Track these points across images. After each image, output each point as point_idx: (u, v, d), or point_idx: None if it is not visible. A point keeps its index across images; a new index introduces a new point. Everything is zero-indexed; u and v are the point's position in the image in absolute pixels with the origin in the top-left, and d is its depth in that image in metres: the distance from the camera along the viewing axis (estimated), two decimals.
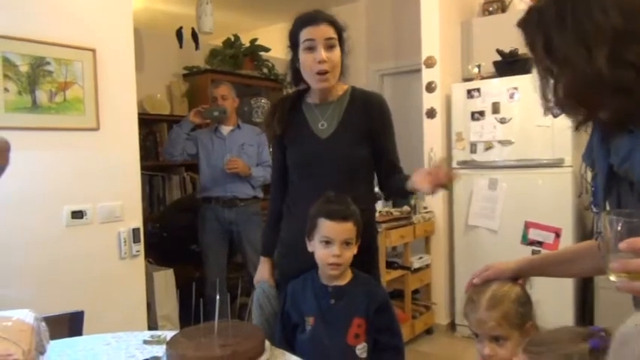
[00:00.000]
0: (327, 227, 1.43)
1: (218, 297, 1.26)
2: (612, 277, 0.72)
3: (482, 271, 1.21)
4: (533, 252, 3.13)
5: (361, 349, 1.45)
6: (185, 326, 1.38)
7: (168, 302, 3.30)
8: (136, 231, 2.44)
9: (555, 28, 0.80)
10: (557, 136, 3.14)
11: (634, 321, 0.66)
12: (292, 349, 1.45)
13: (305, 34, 1.59)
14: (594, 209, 0.95)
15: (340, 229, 1.43)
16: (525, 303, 1.16)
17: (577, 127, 0.87)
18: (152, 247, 3.19)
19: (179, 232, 3.50)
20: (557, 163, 3.15)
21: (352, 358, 1.45)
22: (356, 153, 1.64)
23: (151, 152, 3.96)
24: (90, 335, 1.51)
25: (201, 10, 3.96)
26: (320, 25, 1.58)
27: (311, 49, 1.58)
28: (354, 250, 1.48)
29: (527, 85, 3.25)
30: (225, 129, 3.37)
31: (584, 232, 3.28)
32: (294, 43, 1.65)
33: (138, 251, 2.46)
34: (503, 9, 3.80)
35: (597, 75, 0.76)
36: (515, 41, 3.40)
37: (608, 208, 0.90)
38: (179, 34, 4.18)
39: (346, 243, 1.44)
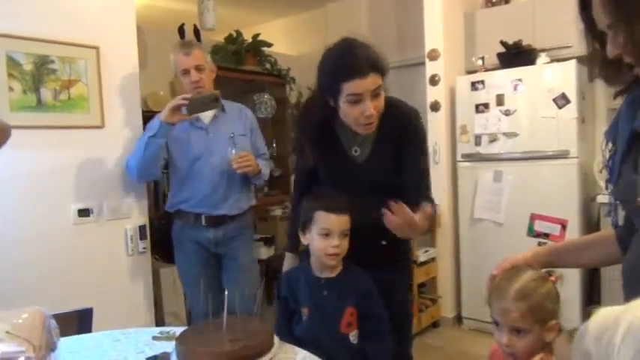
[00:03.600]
0: (326, 219, 1.50)
1: (227, 292, 1.26)
2: None
3: (500, 264, 1.20)
4: (540, 244, 3.12)
5: (354, 335, 1.52)
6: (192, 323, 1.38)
7: (175, 299, 3.31)
8: (142, 228, 2.45)
9: None
10: (562, 127, 3.13)
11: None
12: (292, 335, 1.51)
13: (350, 88, 1.44)
14: (609, 187, 0.96)
15: (339, 221, 1.50)
16: (554, 300, 1.14)
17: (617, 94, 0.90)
18: (158, 244, 3.19)
19: None
20: (563, 155, 3.13)
21: (346, 345, 1.50)
22: (389, 177, 1.62)
23: None
24: (99, 332, 1.52)
25: (203, 6, 3.96)
26: (367, 78, 1.43)
27: (357, 102, 1.45)
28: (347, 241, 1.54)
29: (531, 76, 3.24)
30: (206, 115, 2.37)
31: (589, 223, 3.27)
32: (330, 89, 1.49)
33: (144, 248, 2.47)
34: (507, 0, 3.78)
35: None
36: (518, 32, 3.43)
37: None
38: (181, 30, 4.15)
39: (344, 234, 1.51)
